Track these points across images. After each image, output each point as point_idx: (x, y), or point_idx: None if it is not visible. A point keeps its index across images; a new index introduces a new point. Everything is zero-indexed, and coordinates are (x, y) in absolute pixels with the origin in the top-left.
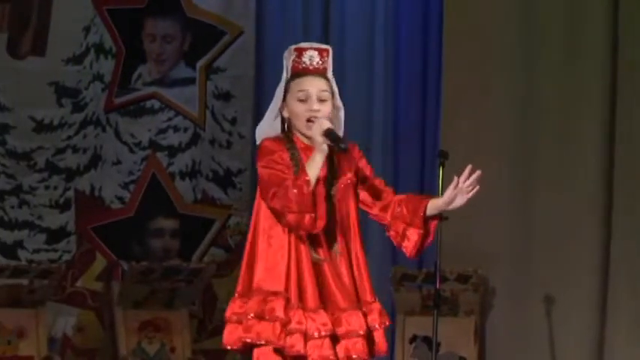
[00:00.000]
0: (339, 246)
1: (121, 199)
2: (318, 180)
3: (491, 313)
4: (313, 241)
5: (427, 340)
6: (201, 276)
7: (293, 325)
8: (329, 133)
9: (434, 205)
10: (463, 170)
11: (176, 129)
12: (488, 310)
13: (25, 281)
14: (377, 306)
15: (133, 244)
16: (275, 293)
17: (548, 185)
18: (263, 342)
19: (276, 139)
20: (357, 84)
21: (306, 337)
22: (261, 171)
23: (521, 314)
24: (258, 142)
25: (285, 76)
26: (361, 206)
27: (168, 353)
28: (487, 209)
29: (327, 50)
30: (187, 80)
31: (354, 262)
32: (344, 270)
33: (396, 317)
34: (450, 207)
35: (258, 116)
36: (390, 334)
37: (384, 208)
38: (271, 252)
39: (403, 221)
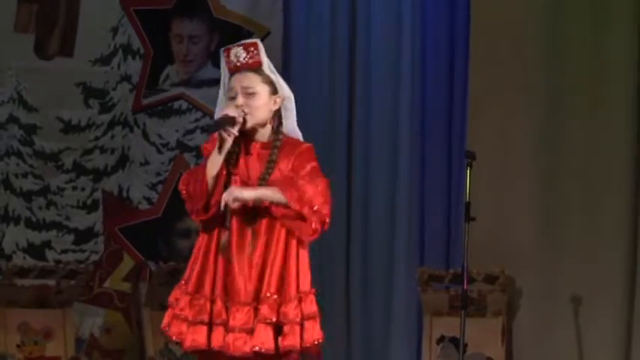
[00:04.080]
0: (258, 241)
1: (148, 199)
2: (222, 170)
3: (519, 314)
4: (230, 233)
5: (454, 340)
6: None
7: (178, 312)
8: (221, 121)
9: None
10: (490, 170)
11: (203, 130)
12: (516, 311)
13: (52, 282)
14: (273, 301)
15: (161, 245)
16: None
17: (576, 185)
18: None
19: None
20: (384, 84)
21: (188, 322)
22: None
23: (548, 315)
24: None
25: (223, 78)
26: None
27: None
28: (514, 209)
29: (253, 44)
30: (214, 81)
31: (269, 259)
32: (255, 265)
33: (423, 318)
34: None
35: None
36: (417, 334)
37: None
38: (197, 245)
39: None
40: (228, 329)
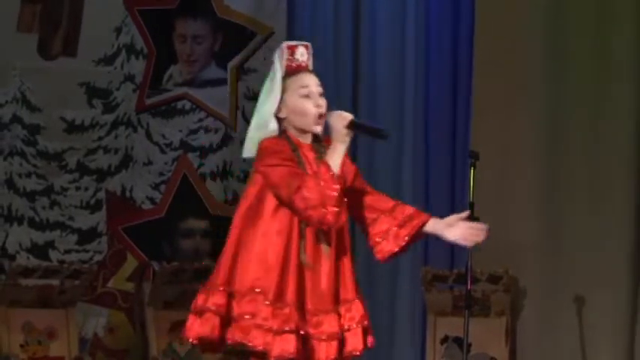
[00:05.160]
0: (332, 245)
1: (151, 199)
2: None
3: (522, 314)
4: (307, 240)
5: (458, 340)
6: None
7: (260, 322)
8: (357, 125)
9: (432, 225)
10: (493, 171)
11: (207, 130)
12: (520, 311)
13: (55, 282)
14: (357, 305)
15: (164, 245)
16: (261, 294)
17: (579, 185)
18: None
19: (275, 138)
20: (388, 84)
21: (273, 332)
22: (270, 170)
23: (552, 315)
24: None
25: (279, 75)
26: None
27: (198, 354)
28: (517, 209)
29: (309, 46)
30: (218, 81)
31: (340, 262)
32: (327, 271)
33: (427, 318)
34: (447, 236)
35: None
36: (421, 334)
37: (373, 209)
38: (268, 251)
39: (393, 220)
40: (310, 336)
